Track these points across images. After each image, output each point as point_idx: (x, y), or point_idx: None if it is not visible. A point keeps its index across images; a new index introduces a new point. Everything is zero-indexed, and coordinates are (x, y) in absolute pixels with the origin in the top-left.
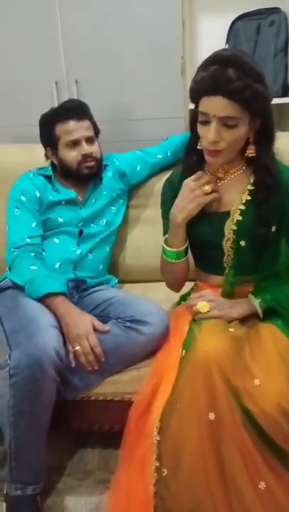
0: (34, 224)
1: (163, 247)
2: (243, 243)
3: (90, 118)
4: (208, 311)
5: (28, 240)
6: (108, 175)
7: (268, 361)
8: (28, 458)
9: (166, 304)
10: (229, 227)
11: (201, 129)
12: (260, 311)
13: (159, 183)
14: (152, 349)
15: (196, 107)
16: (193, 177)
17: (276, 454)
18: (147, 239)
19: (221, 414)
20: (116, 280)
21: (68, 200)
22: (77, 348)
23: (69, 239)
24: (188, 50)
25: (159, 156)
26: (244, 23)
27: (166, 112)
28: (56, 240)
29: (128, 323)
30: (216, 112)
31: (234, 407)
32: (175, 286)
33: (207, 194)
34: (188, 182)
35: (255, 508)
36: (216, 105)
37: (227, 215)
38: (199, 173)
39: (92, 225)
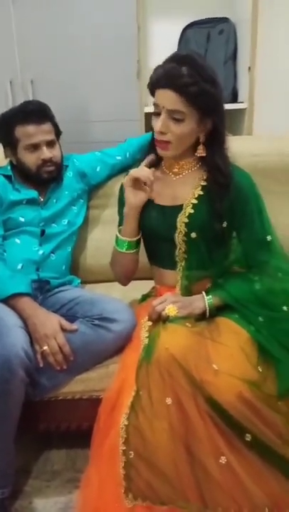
0: None
1: (116, 236)
2: (193, 235)
3: (52, 120)
4: (177, 313)
5: None
6: (69, 175)
7: (230, 354)
8: None
9: (128, 303)
10: (181, 220)
11: (153, 121)
12: (207, 309)
13: (118, 184)
14: (120, 346)
15: None
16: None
17: (235, 430)
18: (108, 239)
19: (182, 401)
20: (78, 280)
21: (29, 199)
22: (45, 347)
23: (31, 239)
24: (142, 55)
25: (119, 158)
26: (194, 31)
27: (122, 115)
28: (17, 241)
29: (96, 321)
30: (165, 104)
31: (196, 394)
32: (123, 279)
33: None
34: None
35: (218, 481)
36: (166, 98)
37: (180, 208)
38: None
39: (53, 225)
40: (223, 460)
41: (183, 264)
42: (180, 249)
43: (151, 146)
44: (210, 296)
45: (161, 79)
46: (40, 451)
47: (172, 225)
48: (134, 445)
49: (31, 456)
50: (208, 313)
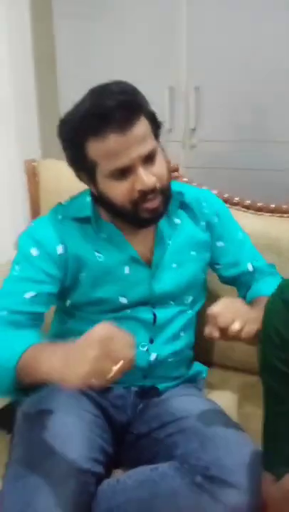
0: (30, 294)
1: None
2: None
3: (144, 110)
4: None
5: (5, 314)
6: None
7: None
8: None
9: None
10: None
11: None
12: None
13: None
14: None
15: None
16: None
17: None
18: None
19: None
20: (204, 374)
21: (132, 258)
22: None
23: (137, 328)
24: None
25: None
26: None
27: None
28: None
29: (199, 478)
30: None
31: None
32: None
33: None
34: None
35: None
36: None
37: None
38: None
39: (171, 302)
40: None
41: None
42: None
43: None
44: None
45: None
46: None
47: None
48: None
49: None
50: None
